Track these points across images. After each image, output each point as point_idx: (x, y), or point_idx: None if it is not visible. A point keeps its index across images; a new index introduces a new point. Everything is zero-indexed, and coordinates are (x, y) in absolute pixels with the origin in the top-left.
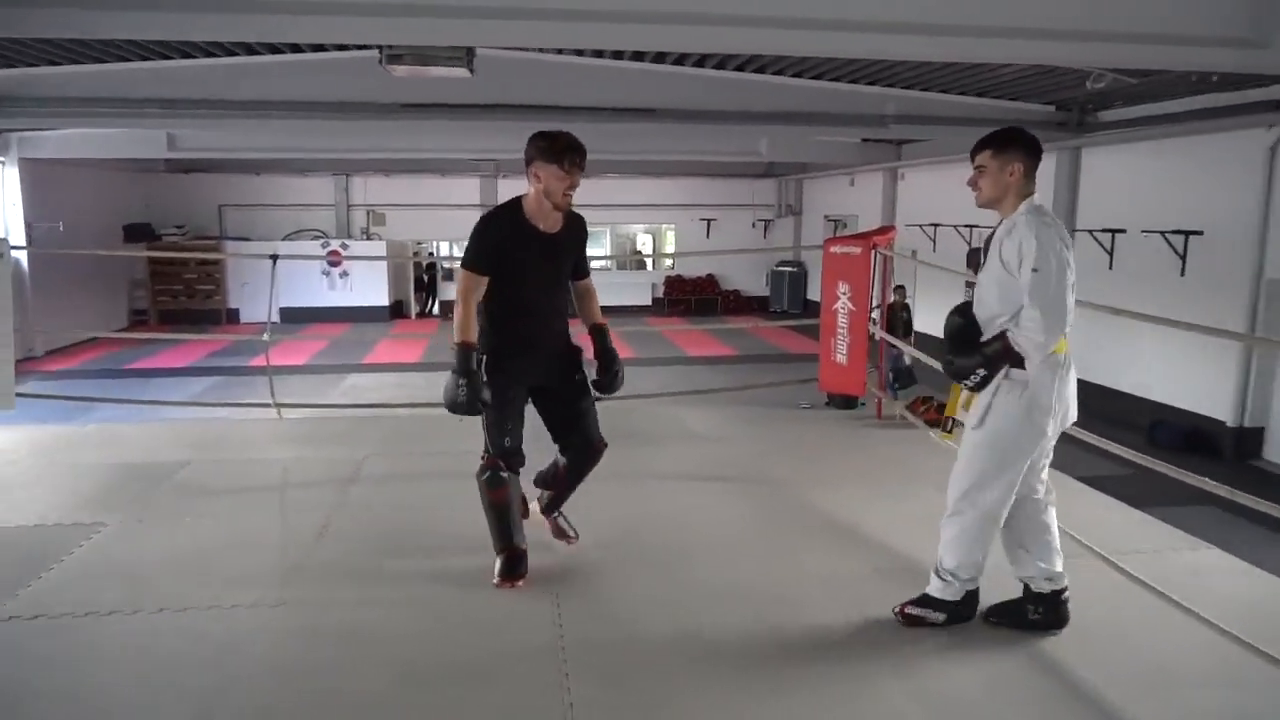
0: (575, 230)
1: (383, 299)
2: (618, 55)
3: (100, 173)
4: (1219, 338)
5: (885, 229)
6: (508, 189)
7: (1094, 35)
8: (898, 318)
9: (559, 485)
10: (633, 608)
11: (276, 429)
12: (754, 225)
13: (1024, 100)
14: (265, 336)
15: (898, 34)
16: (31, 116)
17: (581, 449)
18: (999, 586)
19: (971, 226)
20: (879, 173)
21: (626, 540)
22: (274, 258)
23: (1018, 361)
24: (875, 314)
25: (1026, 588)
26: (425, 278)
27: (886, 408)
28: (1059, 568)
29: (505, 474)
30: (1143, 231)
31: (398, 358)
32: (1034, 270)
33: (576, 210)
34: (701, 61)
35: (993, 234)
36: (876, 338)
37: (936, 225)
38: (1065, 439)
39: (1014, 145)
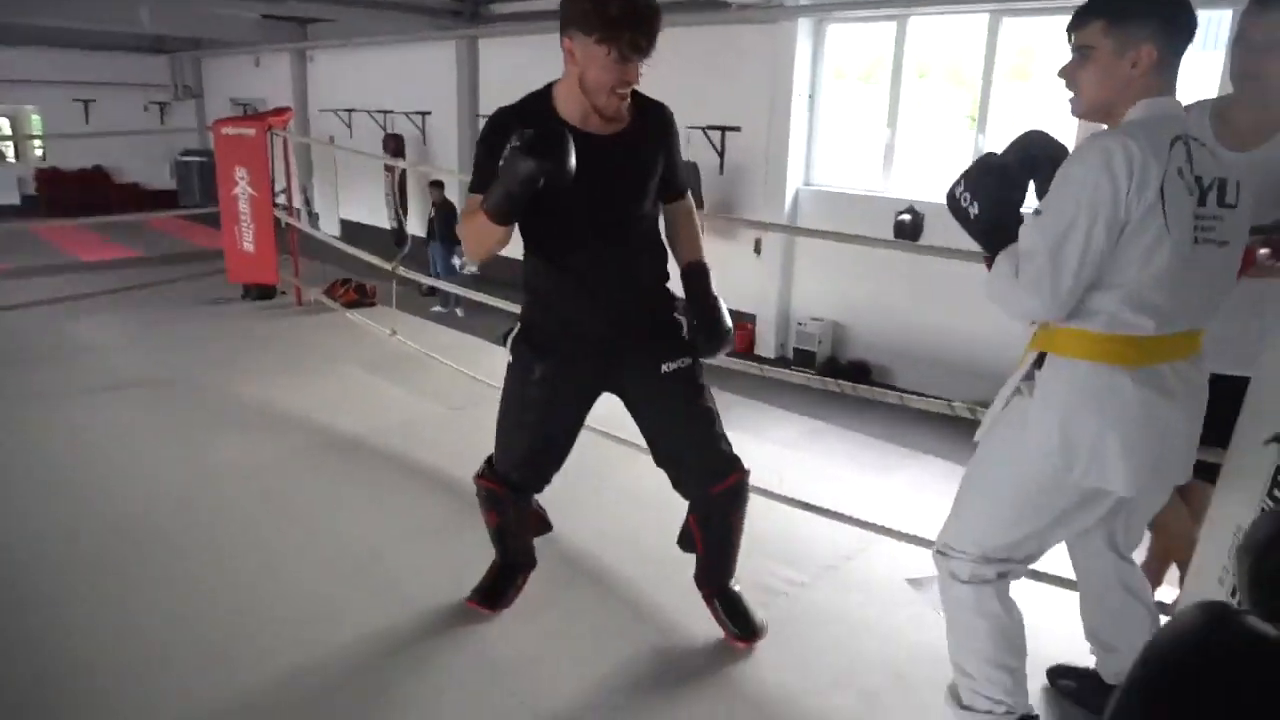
0: (653, 126)
1: None
2: None
3: None
4: None
5: (281, 110)
6: None
7: None
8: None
9: (701, 547)
10: (18, 555)
11: None
12: (146, 109)
13: None
14: None
15: None
16: None
17: (695, 479)
18: None
19: (387, 112)
20: (285, 53)
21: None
22: None
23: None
24: (281, 197)
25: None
26: None
27: (306, 293)
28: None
29: (503, 497)
30: None
31: None
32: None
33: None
34: None
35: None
36: (284, 223)
37: (351, 110)
38: None
39: (1141, 9)
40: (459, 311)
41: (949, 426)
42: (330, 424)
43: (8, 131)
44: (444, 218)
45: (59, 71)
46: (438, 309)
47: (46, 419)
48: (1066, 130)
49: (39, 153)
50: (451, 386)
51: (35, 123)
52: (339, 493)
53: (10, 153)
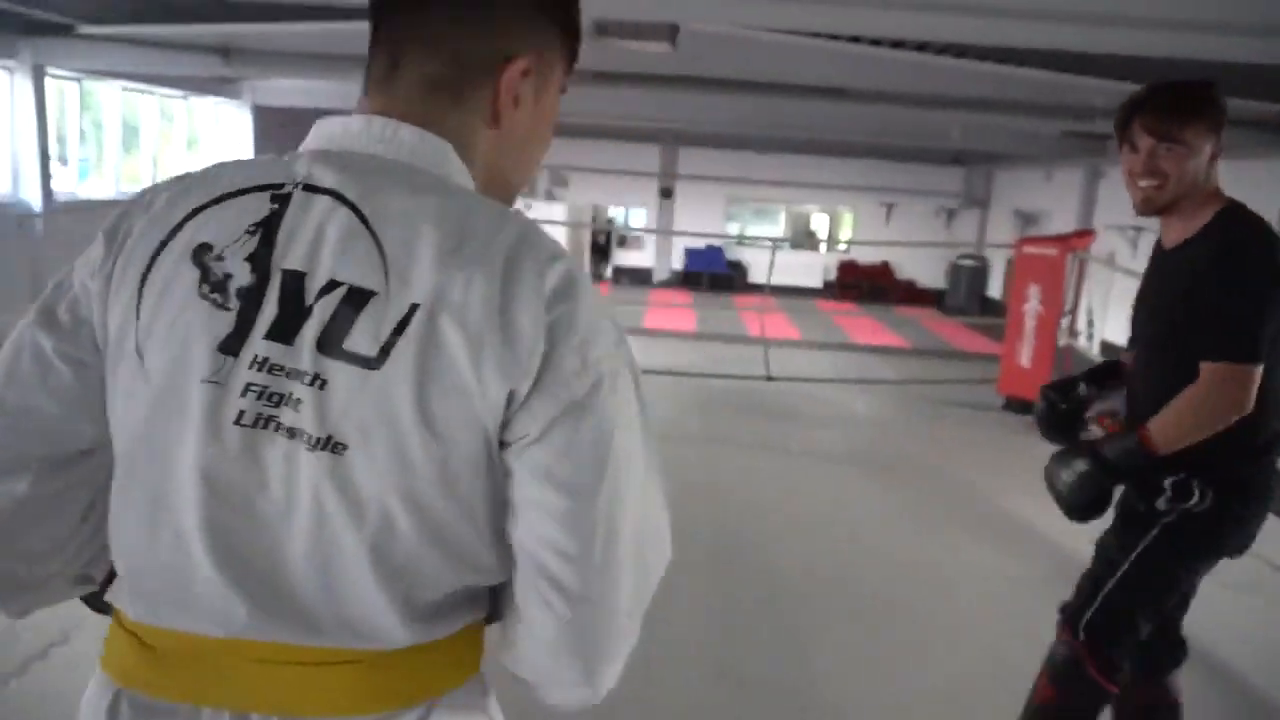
0: (1209, 247)
1: None
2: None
3: None
4: None
5: (1084, 232)
6: (688, 159)
7: None
8: None
9: None
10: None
11: None
12: (936, 214)
13: (1241, 96)
14: None
15: (1109, 27)
16: (262, 67)
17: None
18: None
19: None
20: (1078, 168)
21: (771, 513)
22: None
23: None
24: (1065, 320)
25: None
26: (601, 240)
27: None
28: None
29: (1103, 687)
30: None
31: None
32: None
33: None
34: (899, 43)
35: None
36: (1062, 344)
37: (1139, 229)
38: None
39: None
40: None
41: None
42: (1074, 549)
43: (825, 228)
44: None
45: (870, 179)
46: None
47: (817, 475)
48: None
49: (842, 246)
50: None
51: (846, 221)
52: None
53: (823, 246)
